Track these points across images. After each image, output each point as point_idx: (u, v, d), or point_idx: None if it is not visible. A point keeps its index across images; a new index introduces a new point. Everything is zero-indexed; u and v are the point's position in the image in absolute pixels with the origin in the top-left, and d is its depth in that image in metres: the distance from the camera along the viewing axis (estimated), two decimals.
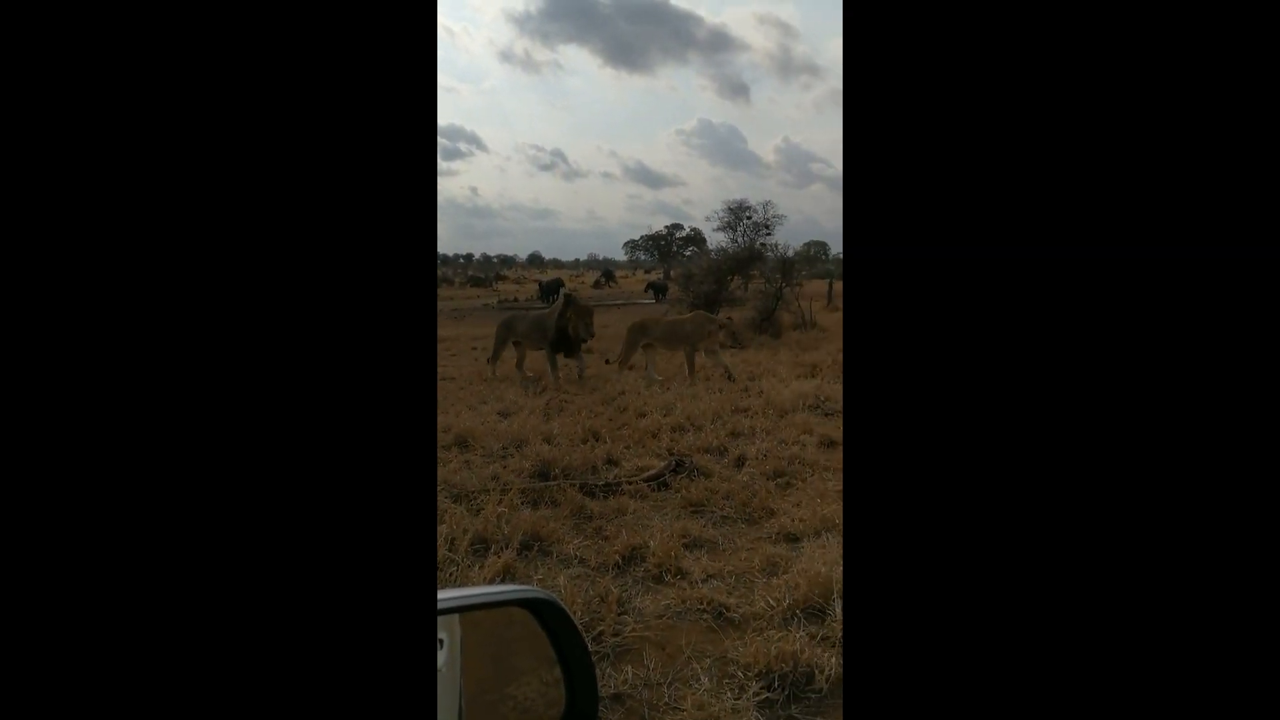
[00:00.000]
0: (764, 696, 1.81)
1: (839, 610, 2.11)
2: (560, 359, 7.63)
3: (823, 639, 2.03)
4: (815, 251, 38.64)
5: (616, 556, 2.67)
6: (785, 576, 2.37)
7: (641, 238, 50.98)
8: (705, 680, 1.88)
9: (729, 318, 7.83)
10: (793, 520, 3.01)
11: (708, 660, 2.00)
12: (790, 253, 17.02)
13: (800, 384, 6.17)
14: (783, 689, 1.83)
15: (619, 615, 2.23)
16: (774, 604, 2.22)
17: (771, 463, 3.83)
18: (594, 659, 0.90)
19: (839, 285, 23.33)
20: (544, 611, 0.89)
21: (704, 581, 2.47)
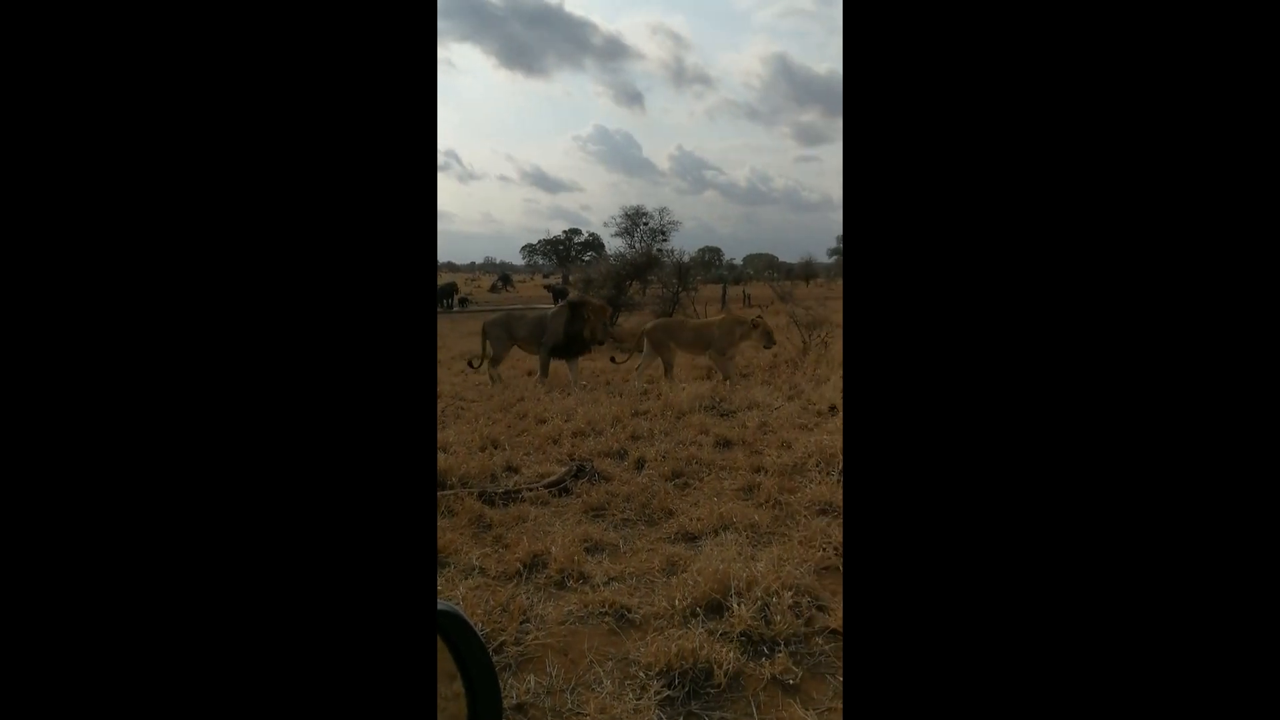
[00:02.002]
0: (665, 695, 1.84)
1: (736, 605, 2.18)
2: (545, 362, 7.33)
3: (721, 634, 2.09)
4: (710, 257, 39.62)
5: (517, 564, 2.64)
6: (685, 575, 2.42)
7: (539, 242, 50.62)
8: (608, 683, 1.90)
9: (759, 316, 7.15)
10: (691, 520, 3.08)
11: (610, 663, 2.01)
12: (686, 258, 17.37)
13: (696, 386, 6.32)
14: (683, 686, 1.87)
15: (521, 624, 2.21)
16: (674, 603, 2.26)
17: (670, 464, 3.91)
18: (496, 670, 0.89)
19: (733, 290, 24.03)
20: (445, 623, 0.88)
21: (605, 585, 2.48)
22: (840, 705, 1.78)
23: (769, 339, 6.78)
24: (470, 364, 8.04)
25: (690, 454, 4.12)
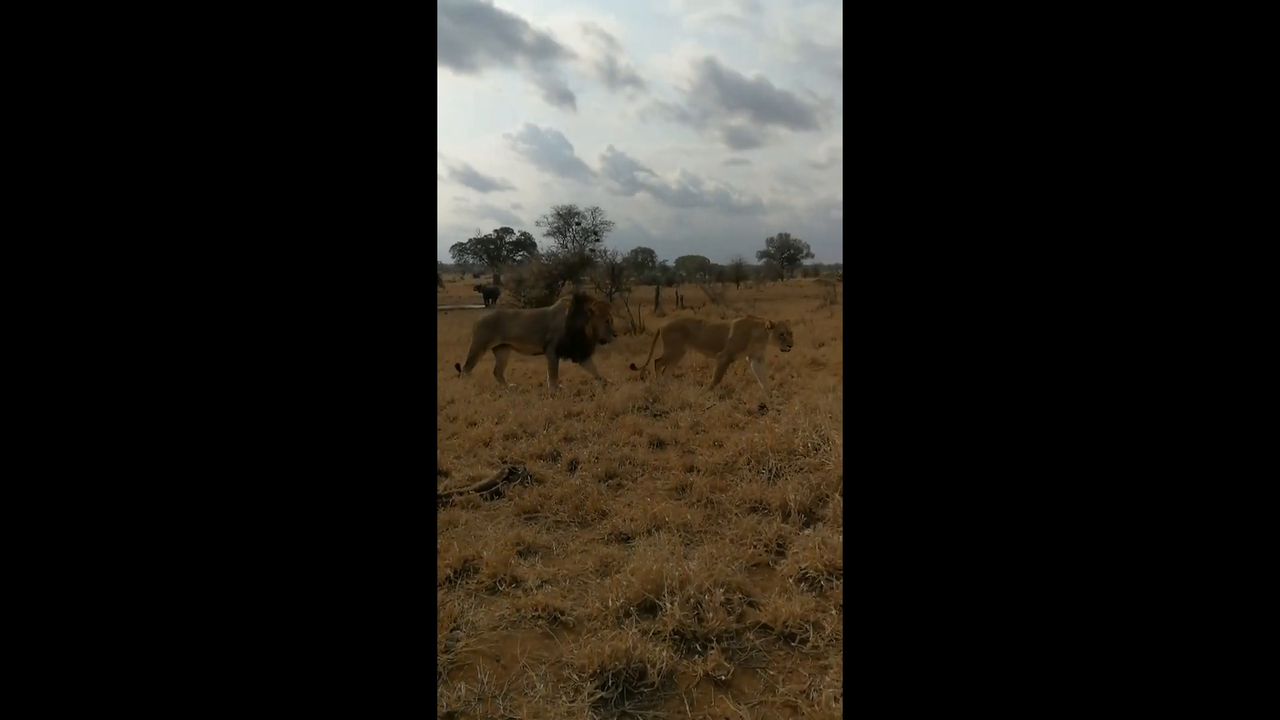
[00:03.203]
0: (599, 696, 1.84)
1: (669, 604, 2.19)
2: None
3: (654, 634, 2.10)
4: (643, 258, 39.88)
5: (448, 570, 2.59)
6: (618, 576, 2.42)
7: (470, 241, 49.73)
8: (541, 687, 1.88)
9: (773, 321, 6.70)
10: (625, 520, 3.08)
11: (543, 667, 1.99)
12: (619, 259, 17.43)
13: (630, 386, 6.33)
14: (617, 687, 1.88)
15: (451, 631, 2.16)
16: (607, 604, 2.26)
17: (604, 465, 3.90)
18: None
19: (667, 291, 24.21)
20: None
21: (538, 588, 2.46)
22: (771, 699, 1.82)
23: (785, 341, 6.47)
24: (458, 367, 7.35)
25: (624, 455, 4.12)
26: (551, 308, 7.13)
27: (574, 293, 7.27)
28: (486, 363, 7.39)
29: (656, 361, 6.91)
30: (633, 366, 7.26)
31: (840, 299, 19.29)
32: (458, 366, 7.30)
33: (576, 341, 6.73)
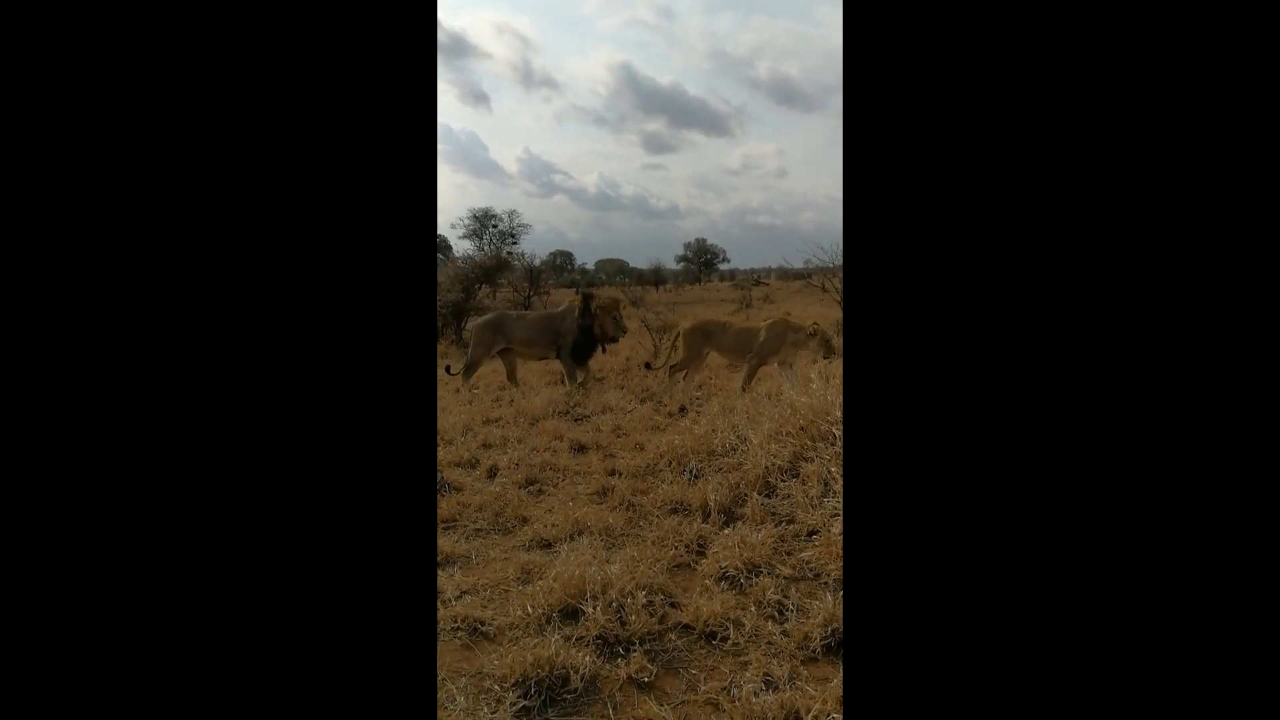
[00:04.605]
0: (521, 706, 1.81)
1: (592, 609, 2.19)
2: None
3: (577, 639, 2.09)
4: (561, 261, 39.70)
5: None
6: (540, 583, 2.40)
7: None
8: (461, 700, 1.83)
9: (815, 324, 6.03)
10: (546, 526, 3.06)
11: (463, 679, 1.95)
12: (537, 262, 17.27)
13: (551, 391, 6.28)
14: (539, 695, 1.85)
15: None
16: (529, 611, 2.23)
17: (524, 471, 3.86)
18: None
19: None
20: None
21: (458, 599, 2.40)
22: (693, 698, 1.84)
23: (829, 349, 5.66)
24: (448, 369, 6.82)
25: (544, 460, 4.09)
26: (560, 309, 6.75)
27: (581, 291, 6.93)
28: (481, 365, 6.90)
29: (672, 368, 6.42)
30: (647, 365, 6.81)
31: (753, 303, 19.79)
32: (448, 369, 6.82)
33: (584, 341, 6.38)
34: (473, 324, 6.89)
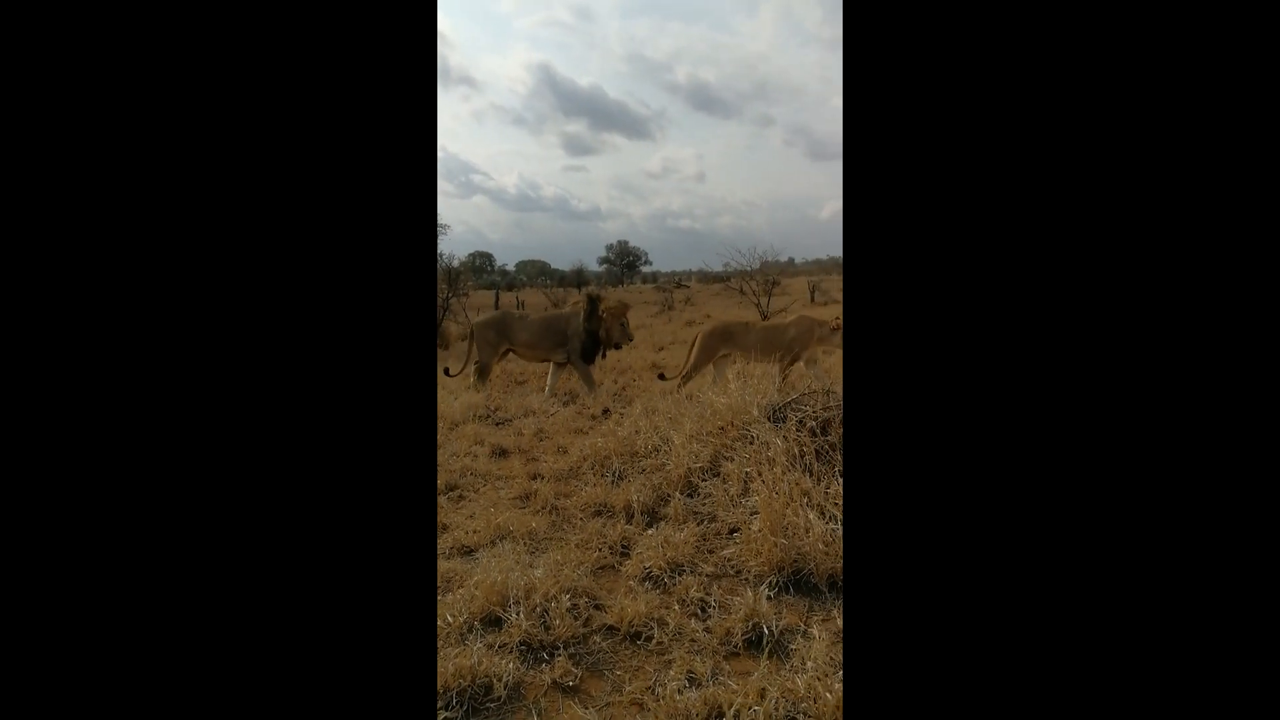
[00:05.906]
0: (443, 717, 1.77)
1: (515, 615, 2.16)
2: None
3: (500, 646, 2.06)
4: (481, 262, 39.01)
5: None
6: (461, 591, 2.35)
7: None
8: None
9: (838, 318, 5.83)
10: (467, 533, 2.99)
11: None
12: (456, 263, 16.91)
13: (470, 395, 6.16)
14: (461, 705, 1.82)
15: None
16: (450, 620, 2.18)
17: (444, 476, 3.77)
18: None
19: (506, 296, 23.81)
20: None
21: None
22: (618, 699, 1.84)
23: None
24: (446, 371, 6.44)
25: (465, 465, 4.01)
26: (566, 311, 6.48)
27: (587, 294, 6.67)
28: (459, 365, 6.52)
29: (683, 378, 6.10)
30: (661, 377, 6.44)
31: (675, 305, 20.03)
32: (446, 370, 6.46)
33: (590, 345, 6.17)
34: (474, 324, 6.57)
